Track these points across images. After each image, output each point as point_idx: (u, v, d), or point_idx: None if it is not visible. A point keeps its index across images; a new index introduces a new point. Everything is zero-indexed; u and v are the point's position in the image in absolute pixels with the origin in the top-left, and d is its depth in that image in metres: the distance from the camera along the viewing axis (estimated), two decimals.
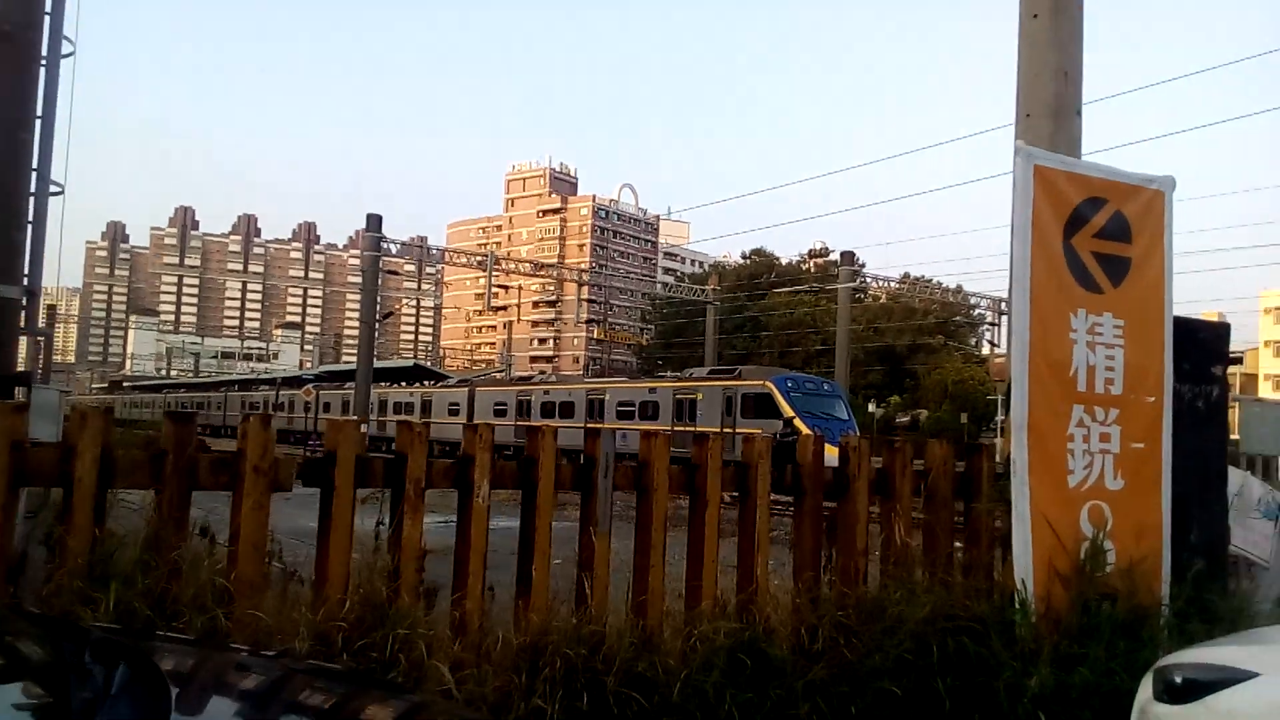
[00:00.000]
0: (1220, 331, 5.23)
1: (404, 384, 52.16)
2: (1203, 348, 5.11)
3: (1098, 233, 4.78)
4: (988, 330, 56.78)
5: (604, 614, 3.84)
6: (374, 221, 33.56)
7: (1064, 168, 4.74)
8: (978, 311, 62.03)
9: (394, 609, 3.37)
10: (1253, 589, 5.50)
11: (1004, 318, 53.32)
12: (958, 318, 69.32)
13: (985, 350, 70.36)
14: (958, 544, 4.90)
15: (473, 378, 52.75)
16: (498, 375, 61.86)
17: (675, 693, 3.57)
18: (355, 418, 33.99)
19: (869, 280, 47.45)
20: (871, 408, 58.70)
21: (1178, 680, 3.13)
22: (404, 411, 46.31)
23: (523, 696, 3.40)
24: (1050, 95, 4.96)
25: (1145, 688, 3.32)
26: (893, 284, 48.18)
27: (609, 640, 3.69)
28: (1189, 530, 4.96)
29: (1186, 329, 5.08)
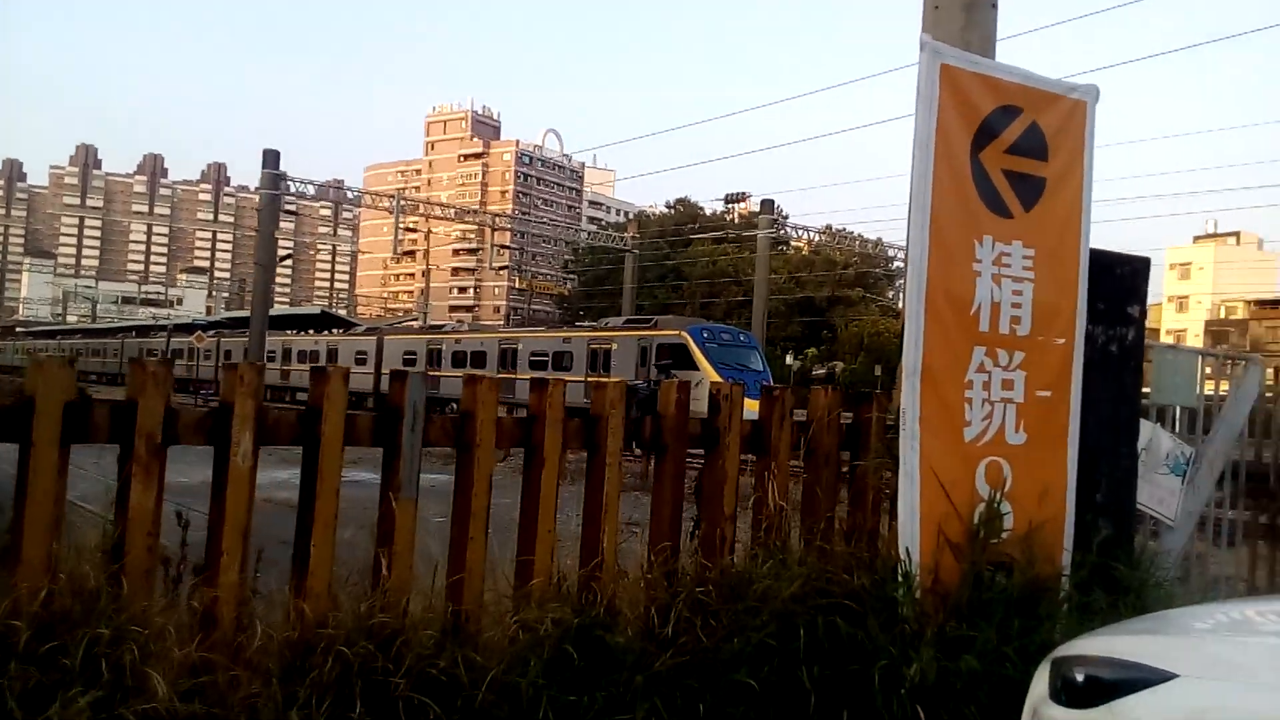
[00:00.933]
0: (1139, 267, 4.70)
1: (311, 331, 50.23)
2: (1120, 285, 4.58)
3: (1010, 148, 4.16)
4: (904, 283, 57.36)
5: (402, 600, 3.12)
6: (271, 158, 31.69)
7: (975, 69, 4.10)
8: (896, 264, 62.59)
9: (105, 600, 2.60)
10: (1158, 552, 5.08)
11: None
12: (876, 270, 69.90)
13: (901, 303, 71.17)
14: (842, 507, 4.31)
15: (382, 326, 51.08)
16: (412, 324, 60.12)
17: (480, 696, 2.89)
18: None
19: (790, 231, 47.11)
20: (789, 360, 58.98)
21: (1078, 678, 2.57)
22: (309, 360, 44.58)
23: (278, 710, 2.68)
24: None
25: (1040, 681, 2.76)
26: (814, 235, 47.94)
27: (406, 633, 2.99)
28: (1096, 489, 4.46)
29: (1102, 263, 4.53)
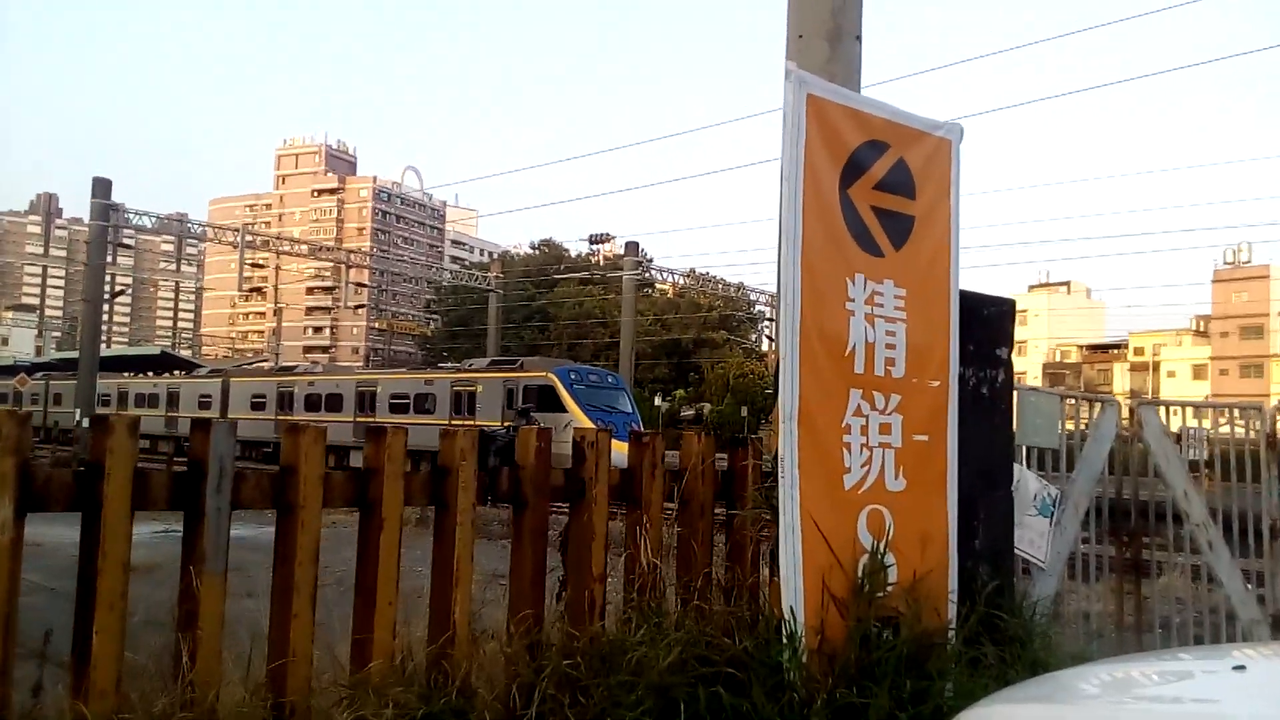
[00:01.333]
0: (1006, 308, 4.66)
1: (150, 374, 47.03)
2: (988, 326, 4.50)
3: (878, 184, 4.02)
4: (766, 326, 58.80)
5: (209, 695, 2.59)
6: (101, 186, 29.52)
7: (842, 100, 3.94)
8: (758, 308, 64.16)
9: None
10: (1034, 596, 5.00)
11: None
12: (739, 313, 71.46)
13: (765, 346, 73.08)
14: (719, 561, 4.00)
15: (228, 367, 48.36)
16: (262, 365, 57.24)
17: None
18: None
19: (656, 273, 47.55)
20: (658, 401, 59.31)
21: None
22: (147, 404, 41.69)
23: None
24: (827, 12, 4.15)
25: None
26: (679, 278, 48.52)
27: None
28: (974, 535, 4.32)
29: (971, 305, 4.45)
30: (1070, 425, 6.19)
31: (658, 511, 3.80)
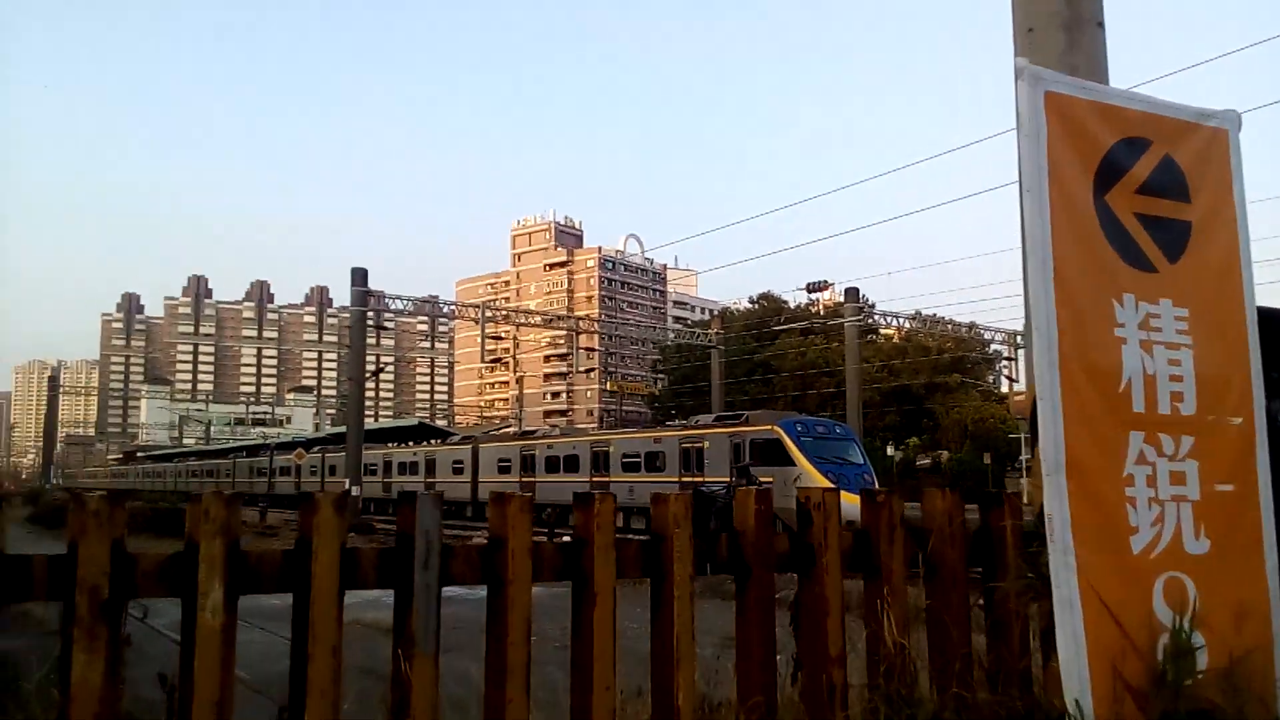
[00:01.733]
0: None
1: (410, 443, 50.87)
2: None
3: (1141, 186, 3.42)
4: (1004, 366, 55.07)
5: None
6: (359, 275, 32.52)
7: (1088, 95, 3.39)
8: (993, 347, 60.37)
9: None
10: None
11: (1020, 351, 51.68)
12: (972, 354, 67.55)
13: (1004, 387, 68.51)
14: (977, 638, 3.46)
15: (477, 434, 51.39)
16: (506, 431, 60.46)
17: None
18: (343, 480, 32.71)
19: (879, 318, 45.91)
20: (890, 450, 56.92)
21: None
22: (408, 471, 45.02)
23: None
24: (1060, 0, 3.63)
25: None
26: (903, 322, 46.58)
27: None
28: None
29: (1271, 323, 3.68)
30: None
31: (900, 580, 3.34)
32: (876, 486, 22.21)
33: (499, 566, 2.77)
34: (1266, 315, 3.69)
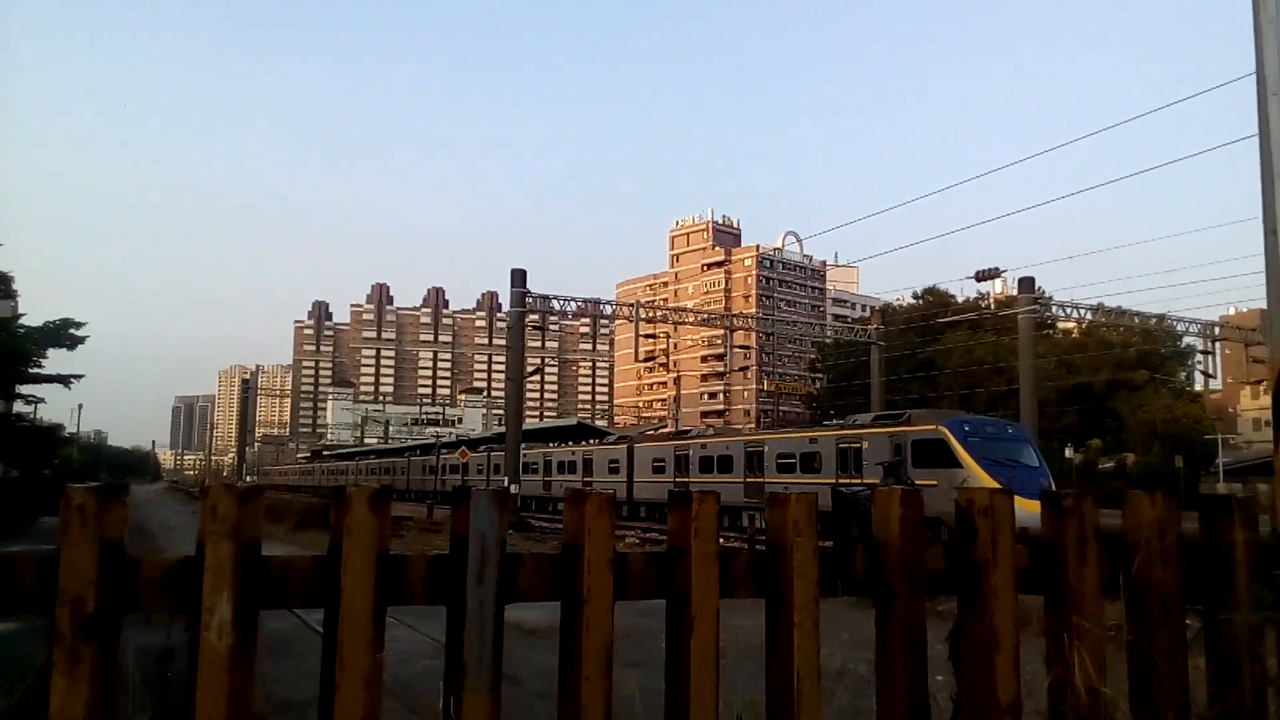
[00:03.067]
0: None
1: (569, 443, 51.73)
2: None
3: None
4: (1199, 361, 50.26)
5: None
6: (518, 277, 33.10)
7: None
8: (1186, 340, 55.34)
9: None
10: None
11: (1218, 345, 46.95)
12: (1162, 349, 62.22)
13: (1199, 384, 62.65)
14: (1198, 685, 2.68)
15: (632, 435, 51.60)
16: (663, 431, 60.47)
17: None
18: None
19: (1057, 310, 42.76)
20: (1069, 453, 53.17)
21: None
22: (567, 470, 45.73)
23: None
24: None
25: None
26: (1084, 314, 43.18)
27: None
28: None
29: None
30: None
31: (1095, 609, 2.61)
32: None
33: (574, 580, 2.26)
34: None
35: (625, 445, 42.67)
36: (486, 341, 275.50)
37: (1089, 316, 43.12)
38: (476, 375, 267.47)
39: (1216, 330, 45.58)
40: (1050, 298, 42.45)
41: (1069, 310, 42.18)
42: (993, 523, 2.58)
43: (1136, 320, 44.93)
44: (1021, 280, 37.95)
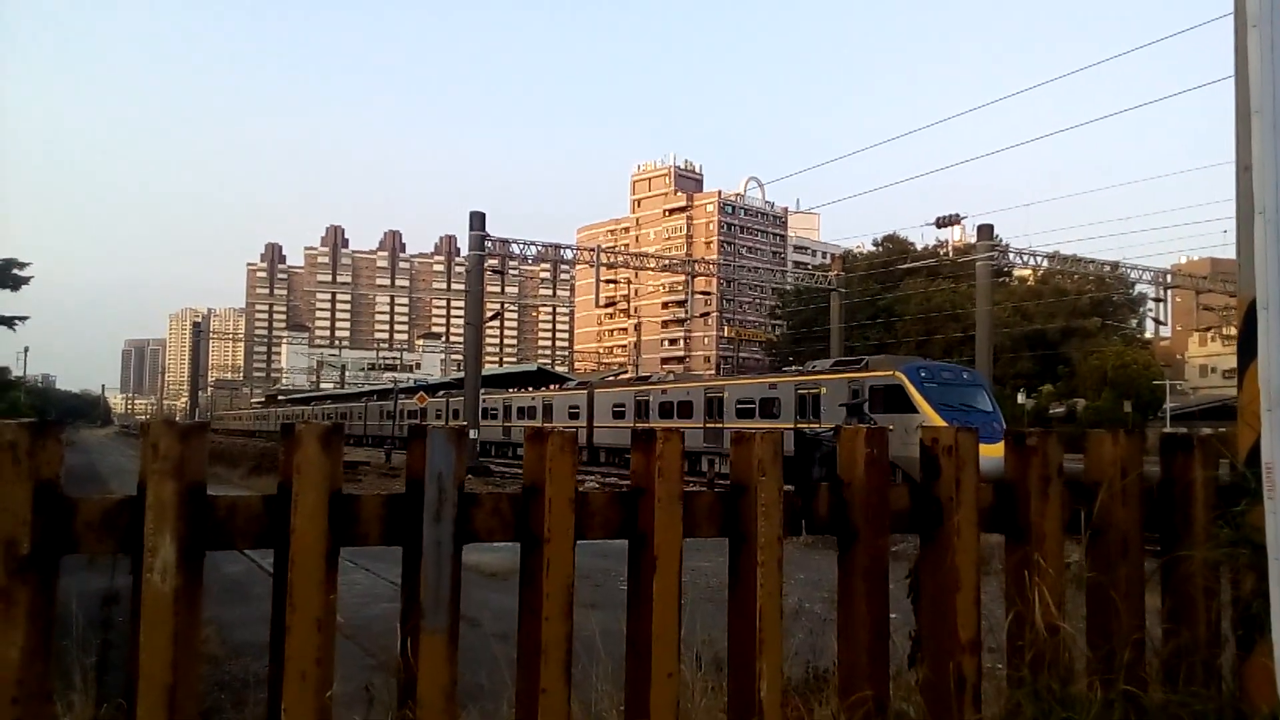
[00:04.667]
0: None
1: (529, 388, 51.60)
2: None
3: None
4: (1151, 308, 51.27)
5: None
6: (477, 220, 32.59)
7: None
8: (1139, 288, 56.37)
9: None
10: None
11: (1169, 293, 47.88)
12: (1115, 296, 63.36)
13: (1149, 331, 64.03)
14: (1153, 622, 2.71)
15: (592, 380, 51.64)
16: (623, 376, 60.62)
17: None
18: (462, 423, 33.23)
19: (1014, 258, 43.21)
20: (1021, 398, 54.22)
21: None
22: (527, 415, 45.67)
23: None
24: None
25: None
26: (1040, 262, 43.68)
27: None
28: None
29: None
30: None
31: (1055, 546, 2.62)
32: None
33: (533, 520, 2.20)
34: None
35: (585, 390, 42.68)
36: (445, 286, 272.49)
37: (1045, 264, 43.64)
38: (435, 320, 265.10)
39: (1168, 279, 46.40)
40: (1008, 245, 42.87)
41: (1026, 258, 42.65)
42: (957, 461, 2.57)
43: (1091, 268, 45.56)
44: (980, 228, 38.23)
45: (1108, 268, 45.98)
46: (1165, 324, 51.27)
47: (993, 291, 41.47)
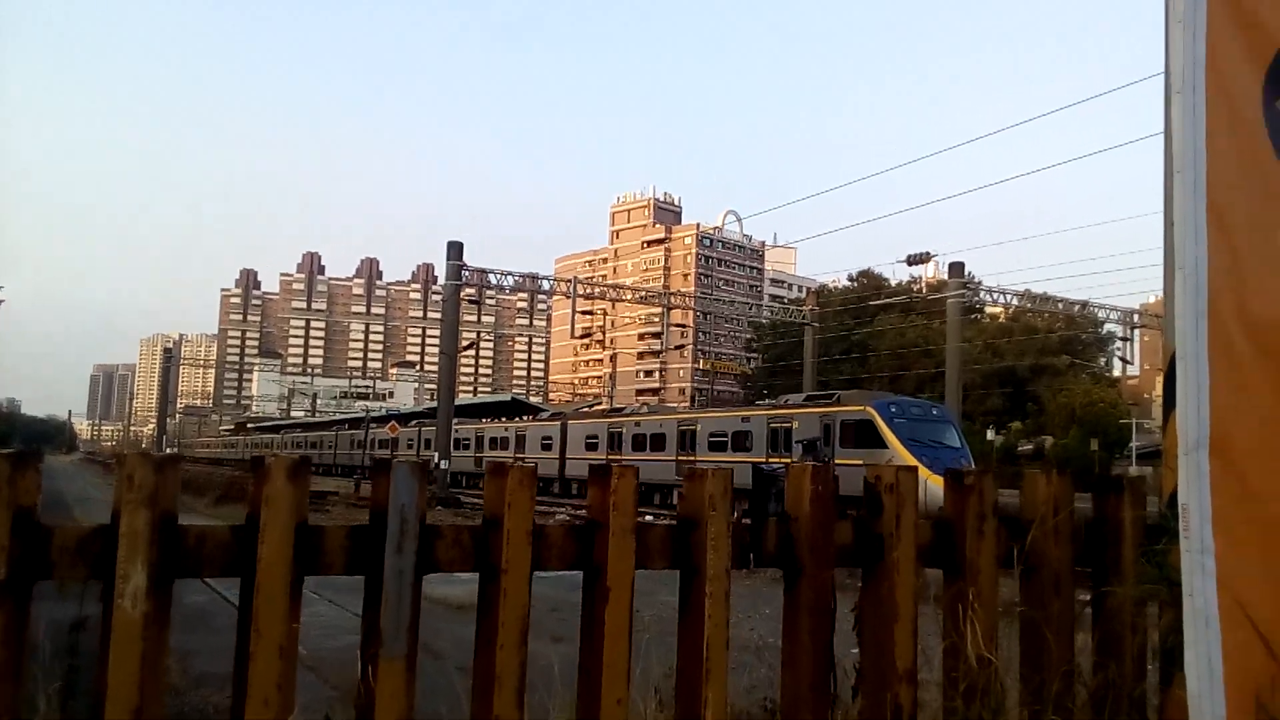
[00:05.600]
0: None
1: (503, 419, 51.49)
2: None
3: None
4: (1119, 347, 52.15)
5: None
6: (455, 250, 32.71)
7: None
8: (1107, 327, 57.29)
9: None
10: None
11: (1136, 332, 48.76)
12: (1084, 335, 64.35)
13: (1116, 370, 65.04)
14: (1084, 656, 2.85)
15: (567, 411, 51.62)
16: (598, 408, 60.63)
17: None
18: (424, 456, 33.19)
19: (985, 296, 43.91)
20: (990, 435, 54.77)
21: None
22: (499, 446, 45.53)
23: None
24: None
25: None
26: (1011, 300, 44.42)
27: None
28: None
29: None
30: None
31: (990, 582, 2.75)
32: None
33: (492, 551, 2.31)
34: None
35: (559, 422, 42.67)
36: (421, 315, 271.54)
37: (1015, 302, 44.35)
38: (409, 349, 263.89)
39: (1136, 317, 47.27)
40: (979, 283, 43.60)
41: (996, 295, 43.33)
42: (898, 498, 2.70)
43: (1060, 306, 46.38)
44: (952, 265, 38.88)
45: (1077, 306, 46.82)
46: (1132, 363, 52.19)
47: (964, 328, 42.09)
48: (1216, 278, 2.50)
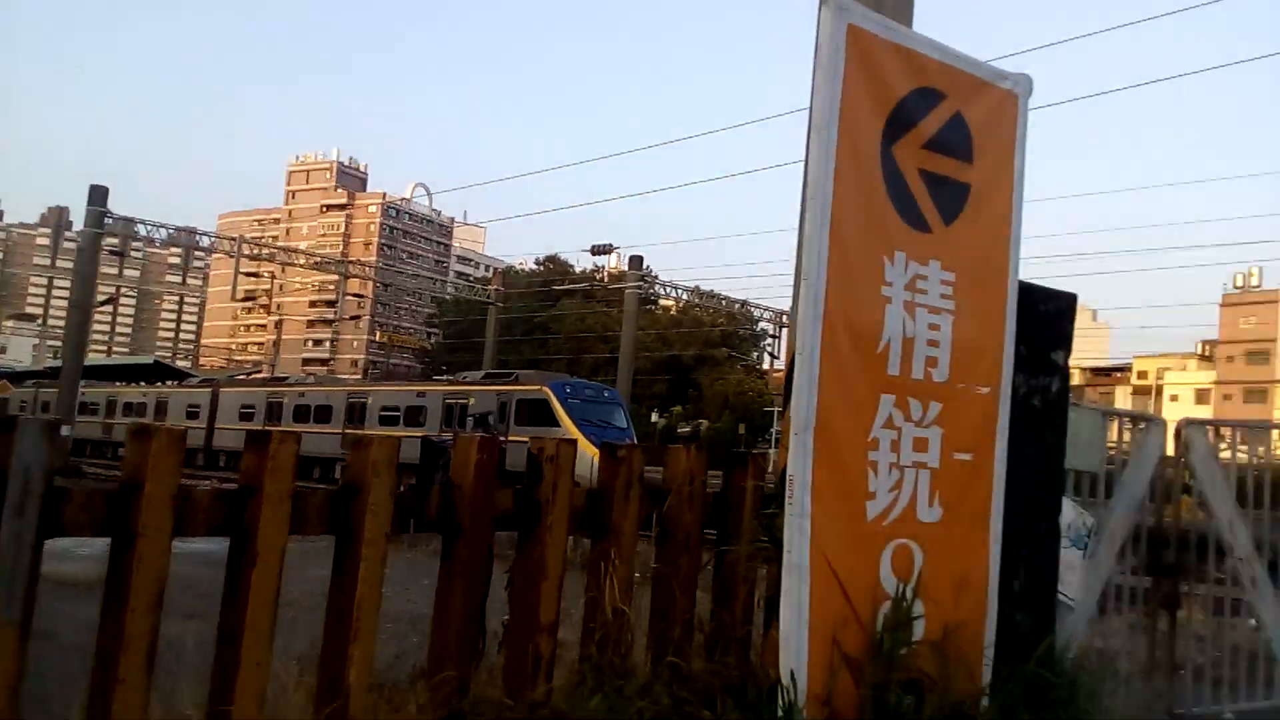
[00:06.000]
0: (1065, 304, 3.90)
1: (142, 383, 46.37)
2: (1044, 324, 3.75)
3: (928, 142, 3.28)
4: (769, 344, 58.01)
5: None
6: (98, 195, 28.89)
7: (890, 37, 3.21)
8: (761, 325, 63.43)
9: None
10: (1060, 639, 4.23)
11: (784, 330, 54.55)
12: (742, 330, 70.65)
13: (766, 363, 72.24)
14: (705, 605, 3.24)
15: (220, 378, 47.69)
16: (256, 376, 56.61)
17: None
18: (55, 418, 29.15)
19: (660, 289, 46.80)
20: (654, 417, 58.56)
21: None
22: (136, 412, 40.90)
23: None
24: None
25: None
26: (683, 294, 47.74)
27: None
28: (1014, 575, 3.56)
29: (1026, 298, 3.70)
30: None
31: (630, 543, 3.05)
32: None
33: (130, 516, 2.18)
34: (1023, 289, 3.69)
35: (209, 389, 39.29)
36: (49, 263, 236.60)
37: (686, 296, 47.73)
38: (32, 300, 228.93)
39: (784, 318, 52.80)
40: (656, 276, 46.36)
41: (669, 289, 46.35)
42: (556, 468, 2.91)
43: (724, 303, 50.57)
44: (632, 258, 40.94)
45: (738, 304, 51.34)
46: (779, 357, 58.27)
47: (639, 318, 44.54)
48: (832, 289, 2.96)
